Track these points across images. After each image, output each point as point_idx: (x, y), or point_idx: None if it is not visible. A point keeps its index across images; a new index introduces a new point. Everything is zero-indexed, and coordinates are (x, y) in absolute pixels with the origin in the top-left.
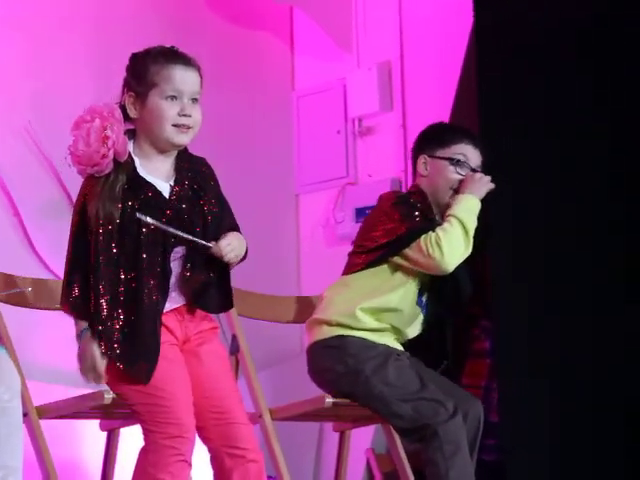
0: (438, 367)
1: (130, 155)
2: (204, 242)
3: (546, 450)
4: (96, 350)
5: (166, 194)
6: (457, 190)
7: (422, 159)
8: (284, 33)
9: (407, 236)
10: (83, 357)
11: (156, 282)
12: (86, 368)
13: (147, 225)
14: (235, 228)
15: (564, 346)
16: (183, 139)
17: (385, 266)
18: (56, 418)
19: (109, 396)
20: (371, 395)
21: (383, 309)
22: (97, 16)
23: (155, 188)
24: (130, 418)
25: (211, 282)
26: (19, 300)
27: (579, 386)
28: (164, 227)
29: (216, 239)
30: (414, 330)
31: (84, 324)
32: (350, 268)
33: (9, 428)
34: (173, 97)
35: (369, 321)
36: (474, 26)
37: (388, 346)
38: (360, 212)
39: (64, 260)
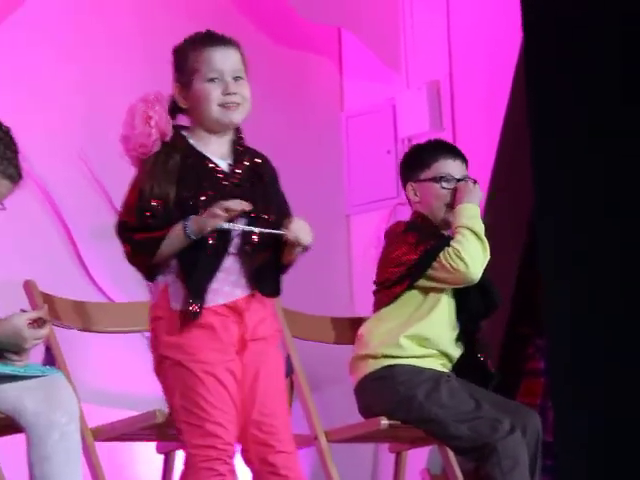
0: (487, 386)
1: (181, 134)
2: (278, 231)
3: (602, 470)
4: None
5: (225, 169)
6: (451, 204)
7: (410, 187)
8: (333, 54)
9: (426, 258)
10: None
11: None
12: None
13: (207, 201)
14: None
15: (620, 365)
16: (232, 116)
17: (414, 292)
18: (110, 440)
19: (162, 415)
20: (427, 419)
21: (425, 334)
22: (145, 44)
23: (214, 161)
24: None
25: (270, 262)
26: (72, 323)
27: (637, 405)
28: (242, 227)
29: (277, 226)
30: (457, 350)
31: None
32: (380, 304)
33: (68, 453)
34: (215, 78)
35: (414, 348)
36: (523, 43)
37: (436, 370)
38: None
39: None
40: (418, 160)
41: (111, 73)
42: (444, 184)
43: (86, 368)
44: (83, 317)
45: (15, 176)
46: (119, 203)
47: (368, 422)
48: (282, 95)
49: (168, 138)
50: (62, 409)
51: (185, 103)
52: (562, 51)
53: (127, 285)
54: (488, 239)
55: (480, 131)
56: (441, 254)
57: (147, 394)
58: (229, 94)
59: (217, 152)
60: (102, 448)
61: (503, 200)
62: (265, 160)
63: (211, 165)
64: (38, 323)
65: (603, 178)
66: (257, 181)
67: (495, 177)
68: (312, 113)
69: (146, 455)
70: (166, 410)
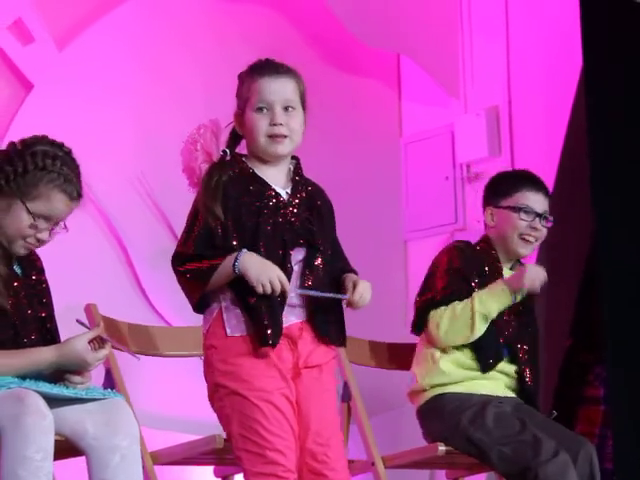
0: (549, 416)
1: (242, 160)
2: (340, 295)
3: None
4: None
5: (284, 197)
6: (523, 238)
7: (489, 211)
8: (392, 80)
9: (424, 308)
10: (256, 264)
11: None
12: (265, 271)
13: (266, 220)
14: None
15: None
16: (278, 149)
17: None
18: (170, 464)
19: (222, 440)
20: (471, 443)
21: (464, 356)
22: (202, 71)
23: (273, 188)
24: None
25: (331, 306)
26: (133, 347)
27: None
28: (309, 293)
29: (330, 260)
30: (508, 366)
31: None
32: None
33: (129, 476)
34: (263, 108)
35: (458, 372)
36: (583, 69)
37: (488, 395)
38: None
39: (175, 306)
40: (502, 186)
41: (168, 100)
42: (523, 215)
43: (145, 392)
44: (143, 341)
45: (74, 194)
46: (178, 228)
47: (426, 448)
48: (342, 121)
49: (214, 159)
50: (123, 432)
51: (240, 130)
52: (624, 77)
53: (185, 309)
54: (548, 268)
55: (538, 157)
56: (432, 311)
57: (204, 418)
58: (275, 125)
59: (275, 180)
60: (161, 472)
61: (562, 229)
62: (322, 192)
63: (272, 193)
64: (98, 343)
65: None
66: (315, 212)
67: (554, 204)
68: (371, 139)
69: (203, 479)
70: (224, 435)
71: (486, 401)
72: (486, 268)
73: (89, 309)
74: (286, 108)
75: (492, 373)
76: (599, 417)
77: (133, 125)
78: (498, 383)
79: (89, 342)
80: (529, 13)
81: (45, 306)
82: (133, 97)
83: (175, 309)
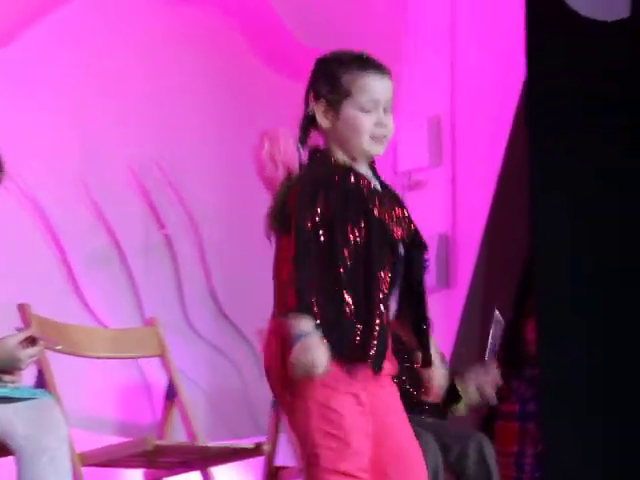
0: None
1: (330, 157)
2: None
3: None
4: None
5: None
6: None
7: None
8: None
9: None
10: (305, 354)
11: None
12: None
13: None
14: None
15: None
16: (379, 150)
17: None
18: (99, 466)
19: (152, 442)
20: None
21: None
22: (147, 70)
23: (375, 184)
24: (175, 468)
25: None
26: (65, 347)
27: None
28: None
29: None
30: None
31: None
32: None
33: (57, 477)
34: (369, 108)
35: None
36: (526, 80)
37: None
38: None
39: (111, 308)
40: None
41: (111, 99)
42: None
43: (77, 393)
44: (76, 341)
45: None
46: (116, 228)
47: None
48: (285, 125)
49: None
50: (52, 433)
51: (328, 123)
52: (565, 88)
53: (120, 311)
54: (482, 279)
55: (480, 167)
56: None
57: (137, 420)
58: (381, 126)
59: (368, 176)
60: (90, 474)
61: (502, 241)
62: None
63: (374, 186)
64: (29, 342)
65: (612, 219)
66: (401, 209)
67: (493, 215)
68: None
69: None
70: (155, 437)
71: None
72: None
73: (22, 309)
74: (385, 109)
75: None
76: (515, 434)
77: (74, 125)
78: None
79: (21, 343)
80: (474, 23)
81: None
82: (74, 98)
83: (110, 310)
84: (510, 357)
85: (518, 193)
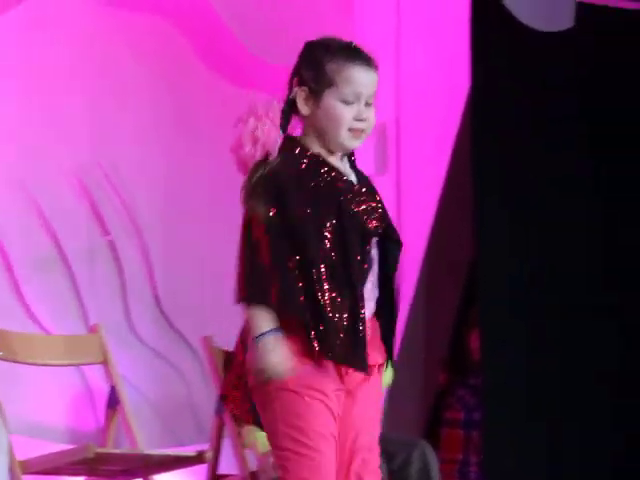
0: None
1: (305, 147)
2: None
3: None
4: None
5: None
6: None
7: None
8: (283, 92)
9: None
10: (266, 358)
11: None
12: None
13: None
14: None
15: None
16: (355, 144)
17: None
18: (39, 473)
19: (94, 449)
20: None
21: None
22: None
23: (350, 179)
24: (117, 476)
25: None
26: (5, 355)
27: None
28: None
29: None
30: None
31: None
32: None
33: None
34: (351, 100)
35: None
36: (471, 88)
37: None
38: None
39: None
40: None
41: (56, 106)
42: None
43: (20, 399)
44: (18, 348)
45: None
46: (60, 233)
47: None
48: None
49: (272, 157)
50: None
51: (307, 111)
52: (511, 96)
53: (63, 317)
54: (427, 286)
55: (425, 176)
56: None
57: (80, 428)
58: (361, 120)
59: (342, 169)
60: None
61: (446, 250)
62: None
63: (347, 179)
64: None
65: (554, 227)
66: (377, 202)
67: (437, 223)
68: None
69: None
70: (98, 444)
71: None
72: None
73: None
74: (367, 103)
75: None
76: (460, 441)
77: (16, 129)
78: None
79: None
80: (419, 31)
81: None
82: (12, 98)
83: (54, 317)
84: (455, 365)
85: (463, 198)
